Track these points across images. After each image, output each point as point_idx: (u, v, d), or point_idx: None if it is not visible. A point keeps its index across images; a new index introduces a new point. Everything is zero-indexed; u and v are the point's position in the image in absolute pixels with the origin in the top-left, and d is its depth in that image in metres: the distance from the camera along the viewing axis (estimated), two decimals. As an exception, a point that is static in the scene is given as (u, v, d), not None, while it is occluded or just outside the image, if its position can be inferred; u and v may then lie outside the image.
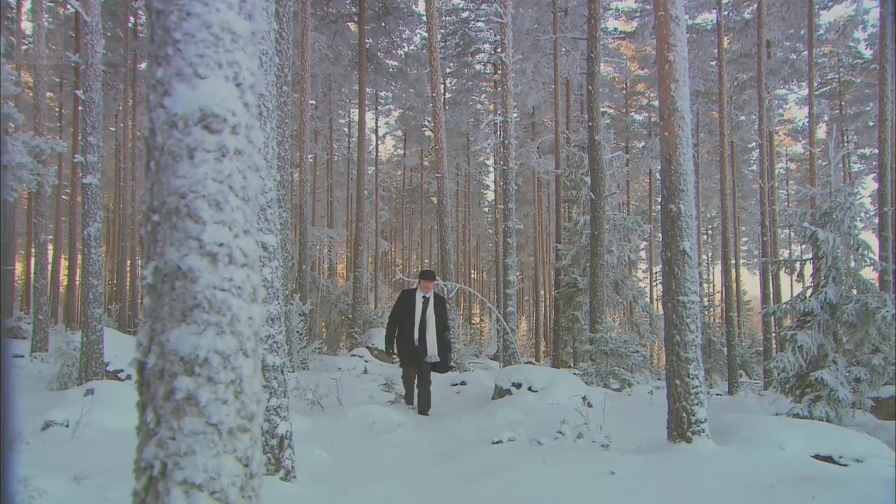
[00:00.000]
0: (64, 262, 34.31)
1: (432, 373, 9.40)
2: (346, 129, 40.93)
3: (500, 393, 10.18)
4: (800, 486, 5.38)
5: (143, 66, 26.95)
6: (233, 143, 1.68)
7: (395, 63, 34.35)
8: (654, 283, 44.51)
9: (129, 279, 28.32)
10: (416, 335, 9.10)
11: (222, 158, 1.66)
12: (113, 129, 33.04)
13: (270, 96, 5.10)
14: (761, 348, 26.49)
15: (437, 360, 9.16)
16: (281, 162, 9.69)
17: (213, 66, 1.66)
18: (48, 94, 24.48)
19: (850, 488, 5.31)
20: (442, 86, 32.93)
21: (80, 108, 11.95)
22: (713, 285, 42.35)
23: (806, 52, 27.98)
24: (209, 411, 1.58)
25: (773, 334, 23.76)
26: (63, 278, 34.84)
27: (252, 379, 1.69)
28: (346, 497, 4.89)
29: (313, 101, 32.38)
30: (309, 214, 24.22)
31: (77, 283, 25.97)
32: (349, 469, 5.91)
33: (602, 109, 24.35)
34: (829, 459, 6.74)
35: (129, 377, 10.82)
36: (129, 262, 28.65)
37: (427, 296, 9.21)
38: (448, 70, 36.74)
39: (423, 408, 9.17)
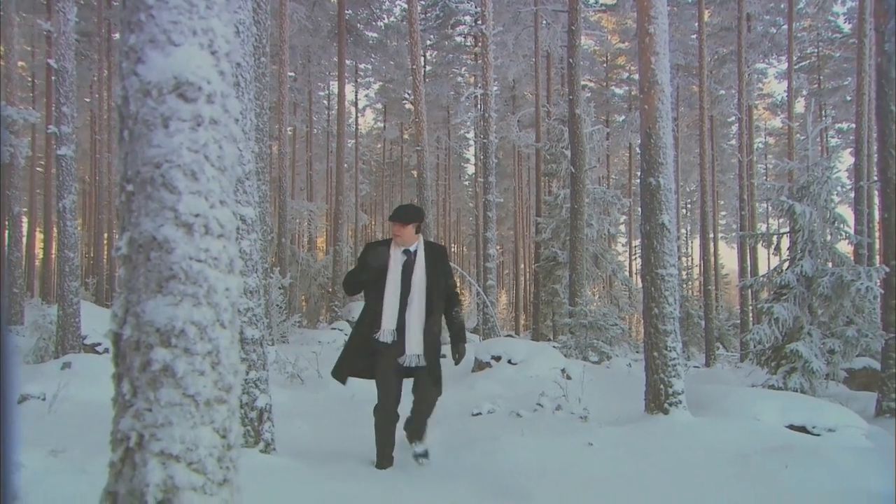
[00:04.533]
0: (39, 235, 33.93)
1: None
2: (325, 102, 40.58)
3: (479, 366, 10.24)
4: (774, 456, 5.47)
5: (117, 35, 26.48)
6: (208, 111, 1.66)
7: (375, 35, 34.05)
8: (633, 257, 44.74)
9: (106, 252, 28.06)
10: (390, 319, 4.98)
11: (198, 127, 1.64)
12: (88, 99, 32.53)
13: (248, 67, 5.03)
14: (738, 321, 26.82)
15: (422, 362, 5.04)
16: (259, 134, 9.57)
17: (187, 33, 1.63)
18: (20, 62, 24.00)
19: (823, 457, 5.40)
20: (422, 58, 32.66)
21: (52, 77, 11.77)
22: (692, 259, 42.74)
23: (786, 26, 28.03)
24: (186, 382, 1.58)
25: (751, 307, 24.05)
26: (38, 251, 34.48)
27: (229, 350, 1.68)
28: (325, 469, 4.90)
29: (292, 73, 32.02)
30: (288, 187, 24.11)
31: (53, 256, 25.72)
32: (330, 441, 5.93)
33: (583, 83, 24.30)
34: (802, 429, 6.86)
35: (106, 350, 10.76)
36: (106, 235, 28.37)
37: (413, 249, 5.06)
38: (428, 42, 36.47)
39: (418, 423, 5.33)
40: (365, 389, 8.67)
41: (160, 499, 1.53)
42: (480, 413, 7.46)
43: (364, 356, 5.14)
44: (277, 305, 16.33)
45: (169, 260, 1.60)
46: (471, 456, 5.23)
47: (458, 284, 4.98)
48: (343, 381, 5.33)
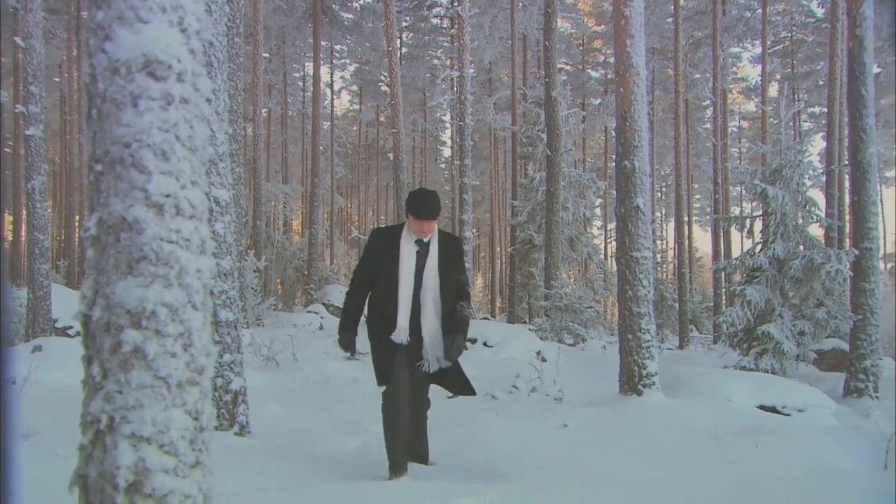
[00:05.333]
0: (8, 217, 33.39)
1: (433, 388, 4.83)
2: (300, 84, 40.22)
3: (455, 348, 10.25)
4: (745, 436, 5.56)
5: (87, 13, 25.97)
6: (178, 90, 1.63)
7: (351, 16, 33.71)
8: (608, 240, 44.98)
9: (77, 235, 27.67)
10: (404, 317, 4.46)
11: (168, 107, 1.62)
12: (57, 79, 31.94)
13: (221, 47, 4.97)
14: (712, 304, 27.08)
15: (444, 363, 4.57)
16: (233, 115, 9.50)
17: (156, 10, 1.60)
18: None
19: (791, 436, 5.50)
20: (398, 40, 32.44)
21: (20, 55, 11.53)
22: (666, 242, 43.08)
23: (760, 10, 28.19)
24: (157, 364, 1.56)
25: (724, 290, 24.28)
26: (8, 233, 33.96)
27: (202, 332, 1.67)
28: (302, 451, 4.91)
29: (267, 54, 31.70)
30: (263, 170, 23.91)
31: (22, 238, 25.32)
32: (305, 423, 5.93)
33: (559, 66, 24.27)
34: (773, 410, 6.97)
35: (78, 334, 10.65)
36: (77, 217, 27.97)
37: (427, 240, 4.50)
38: (404, 23, 36.18)
39: (417, 443, 4.72)
40: (340, 373, 8.71)
41: (131, 481, 1.51)
42: (455, 395, 7.48)
43: (380, 339, 4.56)
44: (252, 288, 16.24)
45: (139, 241, 1.58)
46: (446, 438, 5.25)
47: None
48: (351, 349, 4.74)
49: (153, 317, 1.58)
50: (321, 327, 16.47)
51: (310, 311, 20.24)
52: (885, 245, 43.58)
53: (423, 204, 4.41)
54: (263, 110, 30.29)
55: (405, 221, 4.53)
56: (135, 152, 1.57)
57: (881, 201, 39.23)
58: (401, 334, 4.42)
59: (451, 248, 4.64)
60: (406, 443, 4.45)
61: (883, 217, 41.45)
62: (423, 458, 4.73)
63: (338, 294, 22.77)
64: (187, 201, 1.65)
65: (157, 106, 1.60)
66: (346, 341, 4.65)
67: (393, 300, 4.42)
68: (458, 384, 4.70)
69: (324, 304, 21.89)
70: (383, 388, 4.48)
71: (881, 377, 10.21)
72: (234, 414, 5.11)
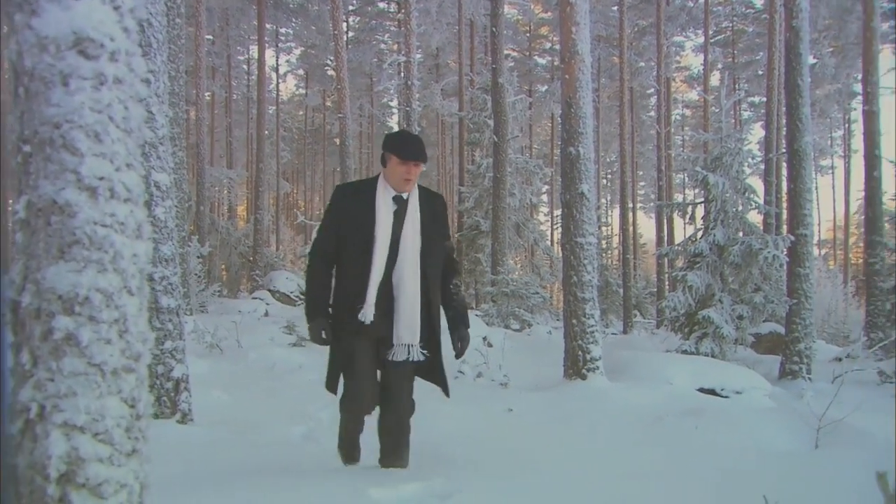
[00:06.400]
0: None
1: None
2: (245, 67, 39.52)
3: (402, 334, 10.24)
4: (685, 418, 5.69)
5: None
6: (112, 70, 1.59)
7: (297, -2, 33.27)
8: (555, 226, 45.31)
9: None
10: (375, 290, 3.51)
11: (100, 87, 1.57)
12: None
13: (160, 27, 4.85)
14: (655, 289, 27.59)
15: (417, 355, 3.59)
16: (174, 98, 9.30)
17: (87, -14, 1.55)
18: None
19: (729, 417, 5.66)
20: (344, 23, 32.09)
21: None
22: (612, 228, 43.60)
23: (702, 0, 28.64)
24: (91, 351, 1.52)
25: (667, 275, 24.75)
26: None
27: (138, 318, 1.63)
28: (245, 438, 4.85)
29: (210, 36, 31.06)
30: (207, 154, 23.51)
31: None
32: (249, 411, 5.86)
33: (506, 52, 24.36)
34: (712, 392, 7.16)
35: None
36: (10, 201, 27.12)
37: (406, 196, 3.62)
38: (350, 7, 35.81)
39: (394, 459, 3.77)
40: (286, 360, 8.63)
41: (63, 471, 1.48)
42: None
43: (342, 319, 3.59)
44: (196, 274, 15.98)
45: (71, 224, 1.53)
46: (392, 423, 5.25)
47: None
48: (321, 334, 3.62)
49: (87, 302, 1.54)
50: (266, 313, 16.28)
51: (255, 298, 20.02)
52: (819, 231, 45.00)
53: (409, 142, 3.60)
54: (207, 93, 29.74)
55: (378, 174, 3.68)
56: (66, 133, 1.53)
57: (816, 189, 40.47)
58: (367, 311, 3.47)
59: (436, 206, 3.74)
60: (356, 431, 3.81)
61: (818, 204, 42.76)
62: (394, 457, 3.78)
63: (284, 280, 22.55)
64: (122, 184, 1.61)
65: (89, 86, 1.55)
66: (317, 329, 3.56)
67: (365, 272, 3.48)
68: (435, 379, 3.76)
69: (269, 290, 21.65)
70: (342, 389, 3.62)
71: (814, 359, 10.54)
72: (176, 402, 5.03)
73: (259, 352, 8.91)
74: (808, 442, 5.14)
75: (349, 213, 3.59)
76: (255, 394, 6.68)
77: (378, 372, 3.67)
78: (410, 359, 3.56)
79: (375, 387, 3.65)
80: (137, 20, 1.69)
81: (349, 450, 3.88)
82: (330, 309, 3.64)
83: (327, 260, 3.64)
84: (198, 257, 16.65)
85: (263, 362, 8.44)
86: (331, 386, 3.65)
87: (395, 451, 3.75)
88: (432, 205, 3.72)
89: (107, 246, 1.56)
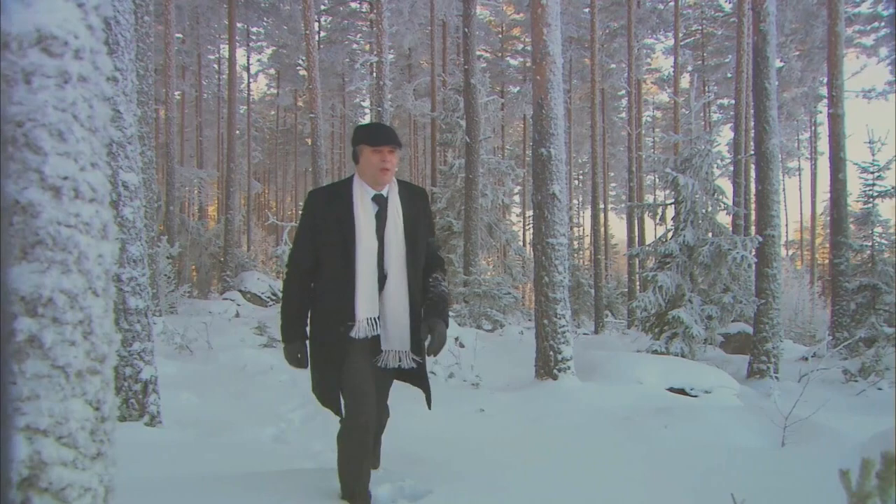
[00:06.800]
0: None
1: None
2: (215, 66, 39.15)
3: (373, 334, 10.22)
4: (655, 417, 5.74)
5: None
6: (76, 68, 1.56)
7: (268, -3, 33.07)
8: (526, 227, 45.55)
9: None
10: (366, 302, 3.28)
11: (65, 85, 1.54)
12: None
13: (128, 25, 4.79)
14: (626, 289, 27.80)
15: (409, 362, 3.40)
16: (143, 97, 9.20)
17: (51, -17, 1.53)
18: None
19: (698, 416, 5.71)
20: (316, 23, 31.98)
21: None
22: (583, 229, 43.91)
23: (672, 3, 28.93)
24: (55, 353, 1.50)
25: (637, 275, 24.96)
26: None
27: (103, 319, 1.61)
28: (215, 440, 4.82)
29: (180, 35, 30.76)
30: (177, 154, 23.27)
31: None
32: (219, 412, 5.82)
33: (478, 53, 24.38)
34: (681, 391, 7.24)
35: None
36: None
37: (385, 193, 3.36)
38: (322, 7, 35.66)
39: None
40: (257, 361, 8.56)
41: (26, 475, 1.45)
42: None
43: (324, 333, 3.33)
44: (165, 275, 15.81)
45: (34, 225, 1.51)
46: (363, 424, 5.23)
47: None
48: (297, 353, 3.38)
49: (50, 304, 1.51)
50: (237, 314, 16.18)
51: (226, 299, 19.88)
52: (786, 232, 45.65)
53: (378, 128, 3.36)
54: (177, 92, 29.45)
55: (352, 175, 3.39)
56: (28, 132, 1.50)
57: (783, 190, 41.04)
58: (361, 328, 3.23)
59: (418, 202, 3.46)
60: (368, 464, 3.33)
61: (785, 205, 43.39)
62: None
63: (255, 281, 22.41)
64: (87, 184, 1.59)
65: (53, 84, 1.53)
66: (294, 352, 3.34)
67: (349, 283, 3.22)
68: (420, 385, 3.55)
69: (240, 290, 21.51)
70: (343, 409, 3.27)
71: (781, 359, 10.68)
72: (145, 404, 4.97)
73: (230, 353, 8.84)
74: (775, 440, 5.21)
75: (326, 220, 3.27)
76: (225, 395, 6.63)
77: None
78: (402, 366, 3.35)
79: (375, 405, 3.34)
80: (103, 18, 1.67)
81: (359, 482, 3.27)
82: (308, 328, 3.37)
83: (305, 276, 3.35)
84: (167, 258, 16.48)
85: (234, 363, 8.37)
86: (332, 401, 3.29)
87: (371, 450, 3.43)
88: (415, 202, 3.43)
89: (71, 246, 1.54)
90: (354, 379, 3.23)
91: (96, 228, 1.60)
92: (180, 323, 10.76)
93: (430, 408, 3.61)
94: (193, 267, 26.65)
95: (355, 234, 3.23)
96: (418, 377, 3.49)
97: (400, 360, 3.34)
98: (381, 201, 3.31)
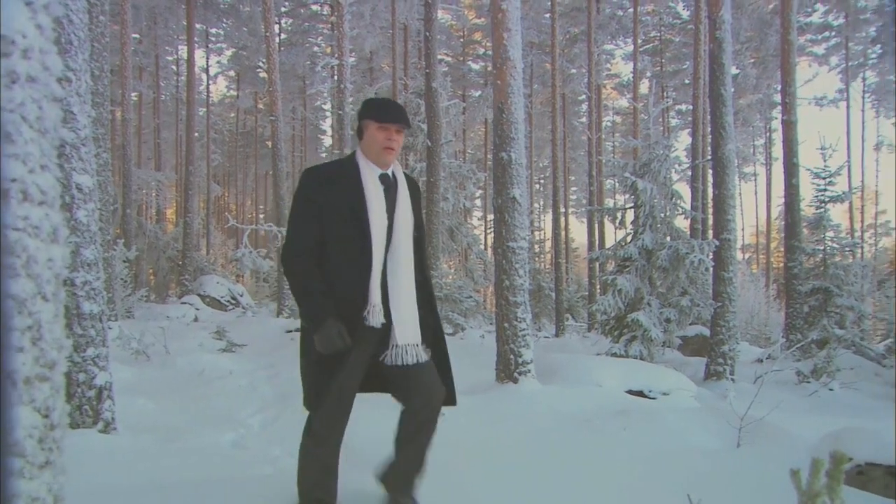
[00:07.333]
0: None
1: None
2: (174, 67, 38.63)
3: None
4: (614, 419, 5.79)
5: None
6: (24, 68, 1.53)
7: (227, -2, 32.75)
8: (488, 231, 45.63)
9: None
10: (378, 287, 3.04)
11: (12, 85, 1.51)
12: None
13: (81, 24, 4.70)
14: (587, 293, 28.00)
15: (424, 358, 3.14)
16: (98, 98, 9.04)
17: (-2, -19, 1.49)
18: None
19: (656, 418, 5.78)
20: (277, 25, 31.75)
21: None
22: (544, 232, 44.15)
23: (632, 9, 29.30)
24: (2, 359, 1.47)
25: (598, 279, 25.18)
26: None
27: (53, 324, 1.58)
28: (172, 446, 4.74)
29: (136, 35, 30.29)
30: (133, 156, 22.89)
31: None
32: (176, 418, 5.73)
33: (439, 57, 24.43)
34: (640, 394, 7.31)
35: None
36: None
37: (392, 174, 3.19)
38: (283, 9, 35.40)
39: (404, 481, 3.42)
40: (215, 365, 8.47)
41: (-29, 484, 1.42)
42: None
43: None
44: (122, 279, 15.55)
45: (-20, 228, 1.47)
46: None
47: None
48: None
49: (-3, 309, 1.48)
50: (196, 319, 15.97)
51: (184, 303, 19.61)
52: (742, 236, 46.45)
53: (389, 104, 3.13)
54: (134, 94, 29.00)
55: (352, 153, 3.19)
56: (-25, 133, 1.47)
57: (740, 195, 41.77)
58: (375, 313, 3.00)
59: (414, 190, 3.28)
60: (335, 478, 3.23)
61: (741, 210, 44.16)
62: (407, 483, 3.35)
63: (214, 285, 22.13)
64: (36, 186, 1.56)
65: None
66: (334, 331, 2.90)
67: (363, 267, 2.98)
68: (436, 385, 3.26)
69: (199, 295, 21.23)
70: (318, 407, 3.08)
71: (738, 360, 10.86)
72: (99, 410, 4.88)
73: (188, 358, 8.73)
74: (731, 440, 5.29)
75: (330, 199, 3.01)
76: (182, 401, 6.53)
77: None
78: (419, 360, 3.07)
79: (347, 418, 3.21)
80: (53, 17, 1.64)
81: (322, 496, 3.15)
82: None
83: (313, 256, 3.01)
84: (124, 261, 16.22)
85: (192, 368, 8.27)
86: (317, 400, 3.08)
87: (414, 453, 3.36)
88: (413, 189, 3.27)
89: (19, 250, 1.51)
90: (344, 392, 3.05)
91: (46, 232, 1.57)
92: (137, 328, 10.59)
93: (454, 403, 3.42)
94: (151, 271, 26.26)
95: (368, 214, 2.99)
96: (438, 369, 3.24)
97: (417, 356, 3.07)
98: (387, 181, 3.12)
